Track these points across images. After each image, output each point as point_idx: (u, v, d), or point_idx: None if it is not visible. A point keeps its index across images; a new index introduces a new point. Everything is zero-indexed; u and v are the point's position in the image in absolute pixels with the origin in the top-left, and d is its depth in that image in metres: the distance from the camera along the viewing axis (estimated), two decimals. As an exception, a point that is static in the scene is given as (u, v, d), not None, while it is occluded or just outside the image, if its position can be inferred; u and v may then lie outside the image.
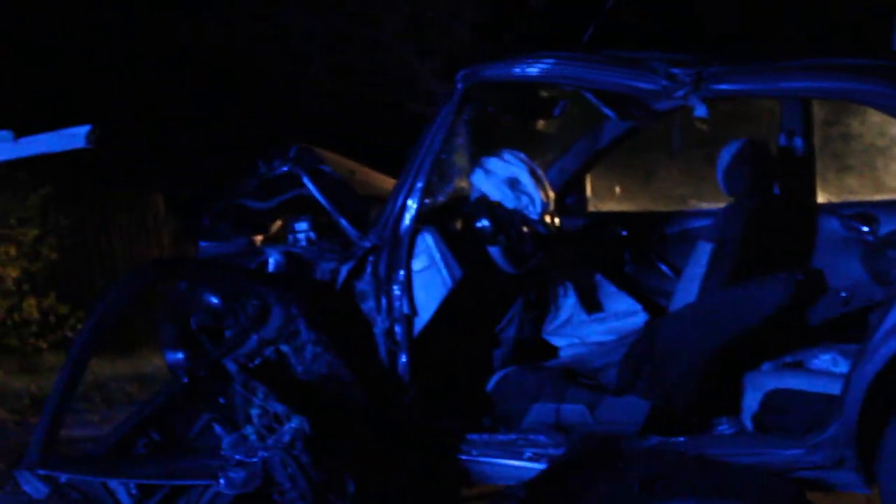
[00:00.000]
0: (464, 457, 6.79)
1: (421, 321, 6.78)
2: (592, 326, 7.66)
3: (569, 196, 8.28)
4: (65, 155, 13.19)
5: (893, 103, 6.70)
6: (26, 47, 17.09)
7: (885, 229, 7.83)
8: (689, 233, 8.00)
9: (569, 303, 7.70)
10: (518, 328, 7.51)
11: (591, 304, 7.76)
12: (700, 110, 6.93)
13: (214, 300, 6.87)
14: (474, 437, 6.83)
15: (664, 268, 8.16)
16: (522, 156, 7.45)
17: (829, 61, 6.78)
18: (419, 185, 6.72)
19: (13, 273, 12.06)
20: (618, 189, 10.36)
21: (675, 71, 6.81)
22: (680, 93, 6.84)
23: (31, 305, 12.40)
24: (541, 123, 9.63)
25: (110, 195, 14.21)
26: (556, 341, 7.67)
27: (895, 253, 7.07)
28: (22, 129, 6.82)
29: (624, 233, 8.36)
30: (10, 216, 12.37)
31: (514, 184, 7.29)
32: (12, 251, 12.09)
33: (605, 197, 9.19)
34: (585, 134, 8.17)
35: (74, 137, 6.20)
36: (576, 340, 7.65)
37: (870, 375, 6.27)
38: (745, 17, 20.32)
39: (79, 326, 11.88)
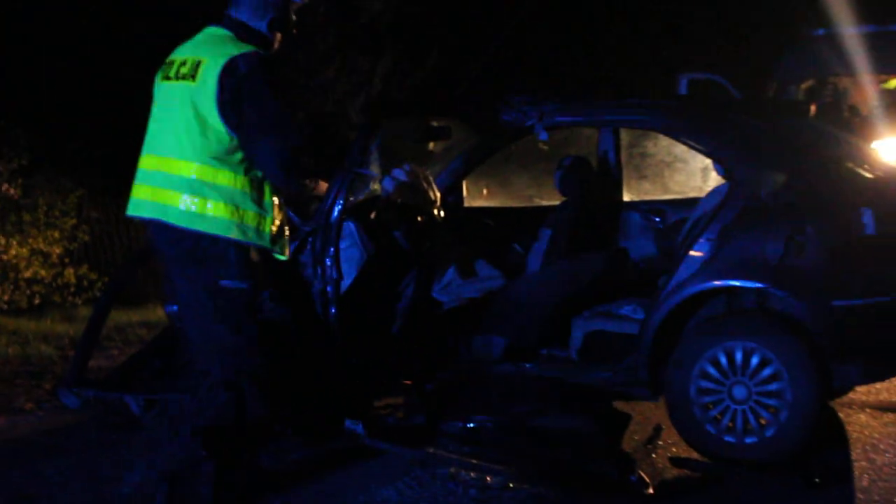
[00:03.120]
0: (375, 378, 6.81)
1: (345, 283, 6.75)
2: (466, 287, 7.69)
3: (451, 196, 8.28)
4: (93, 161, 13.14)
5: (670, 129, 6.83)
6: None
7: (670, 220, 7.94)
8: (534, 221, 8.04)
9: (450, 271, 7.73)
10: (414, 289, 7.52)
11: (465, 271, 7.79)
12: (542, 135, 7.01)
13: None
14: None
15: (517, 246, 8.19)
16: (417, 167, 7.48)
17: (630, 101, 6.88)
18: (345, 187, 6.68)
19: (57, 250, 11.98)
20: (485, 191, 10.36)
21: (525, 108, 6.88)
22: (528, 123, 6.91)
23: (70, 273, 12.29)
24: (432, 145, 9.63)
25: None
26: (441, 298, 7.69)
27: (677, 236, 7.15)
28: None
29: (489, 222, 8.39)
30: (55, 209, 12.26)
31: (411, 187, 7.31)
32: (56, 234, 12.02)
33: (476, 197, 9.19)
34: (462, 152, 8.17)
35: None
36: (455, 297, 7.68)
37: (657, 321, 6.39)
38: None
39: (102, 288, 11.84)
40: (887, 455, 6.43)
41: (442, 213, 7.62)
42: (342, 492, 5.96)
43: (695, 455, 6.33)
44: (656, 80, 17.38)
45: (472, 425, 6.12)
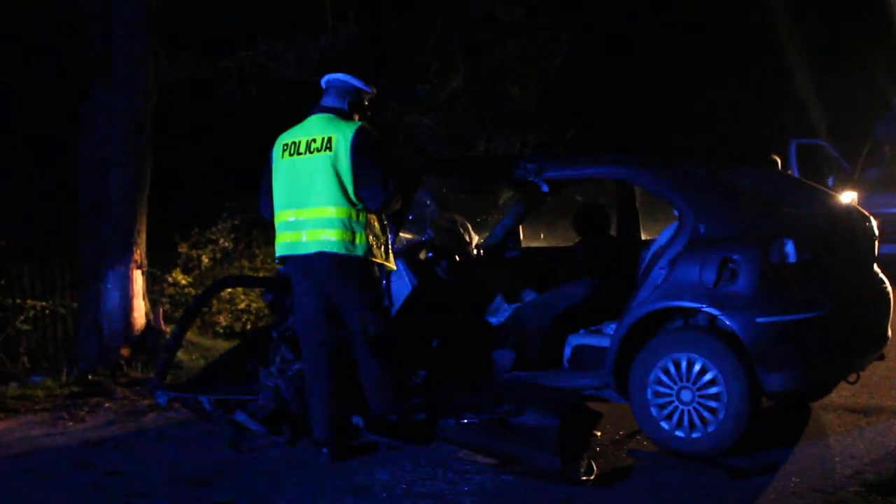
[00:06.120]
0: (418, 379, 6.46)
1: (394, 308, 6.50)
2: (511, 311, 7.28)
3: (511, 239, 7.92)
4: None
5: (633, 179, 6.34)
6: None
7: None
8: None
9: (498, 297, 7.34)
10: (465, 313, 7.13)
11: (512, 297, 7.39)
12: (544, 187, 6.65)
13: (269, 296, 6.69)
14: (422, 372, 6.52)
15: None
16: (457, 215, 7.17)
17: (604, 157, 6.37)
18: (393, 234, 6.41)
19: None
20: (542, 235, 9.99)
21: (528, 165, 6.52)
22: (530, 177, 6.53)
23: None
24: (502, 198, 9.29)
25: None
26: (491, 319, 7.29)
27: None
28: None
29: (539, 258, 7.95)
30: (269, 258, 12.26)
31: (451, 232, 7.00)
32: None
33: (532, 239, 8.78)
34: (515, 204, 7.81)
35: None
36: (503, 318, 7.26)
37: (619, 336, 5.94)
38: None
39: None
40: (825, 450, 5.80)
41: (481, 252, 7.28)
42: (348, 470, 5.71)
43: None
44: (769, 143, 16.80)
45: (463, 422, 5.75)
